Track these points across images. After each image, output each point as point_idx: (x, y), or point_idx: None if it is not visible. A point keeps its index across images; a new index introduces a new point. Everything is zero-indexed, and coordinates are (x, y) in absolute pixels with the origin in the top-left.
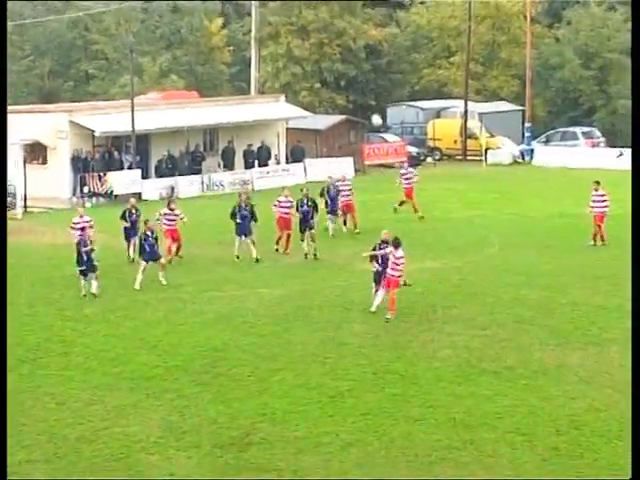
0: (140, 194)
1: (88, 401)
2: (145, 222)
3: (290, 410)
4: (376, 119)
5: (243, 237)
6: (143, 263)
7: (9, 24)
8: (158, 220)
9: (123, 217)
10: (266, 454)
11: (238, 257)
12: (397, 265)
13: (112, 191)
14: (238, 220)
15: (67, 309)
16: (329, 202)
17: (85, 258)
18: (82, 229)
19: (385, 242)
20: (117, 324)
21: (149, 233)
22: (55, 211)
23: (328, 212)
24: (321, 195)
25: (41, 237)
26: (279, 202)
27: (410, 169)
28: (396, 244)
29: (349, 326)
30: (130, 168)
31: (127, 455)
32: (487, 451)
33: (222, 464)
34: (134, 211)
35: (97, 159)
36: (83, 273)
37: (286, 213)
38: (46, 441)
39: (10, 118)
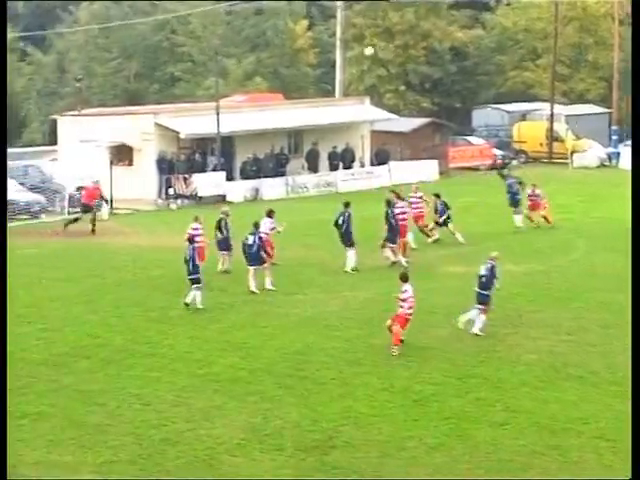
0: (224, 196)
1: (173, 403)
2: (255, 225)
3: (374, 414)
4: None
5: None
6: (251, 269)
7: (96, 26)
8: (279, 232)
9: (219, 228)
10: (349, 457)
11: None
12: (403, 301)
13: (197, 193)
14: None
15: (152, 310)
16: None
17: (196, 267)
18: (191, 238)
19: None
20: (202, 326)
21: (257, 239)
22: (141, 213)
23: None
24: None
25: (127, 238)
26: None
27: (537, 191)
28: (402, 279)
29: (433, 330)
30: (215, 170)
31: (211, 457)
32: (572, 457)
33: (305, 467)
34: (228, 221)
35: (182, 161)
36: (195, 281)
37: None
38: (131, 442)
39: (96, 120)
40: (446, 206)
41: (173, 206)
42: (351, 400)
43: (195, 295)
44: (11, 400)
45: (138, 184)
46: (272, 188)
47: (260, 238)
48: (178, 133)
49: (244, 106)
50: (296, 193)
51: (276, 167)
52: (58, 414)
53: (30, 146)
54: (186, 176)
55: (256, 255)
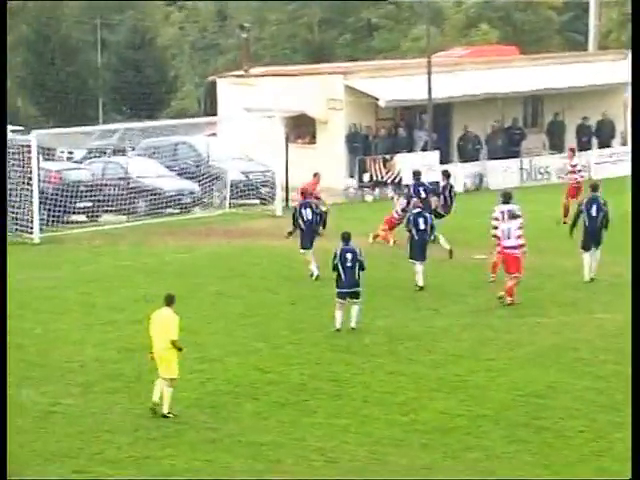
0: (437, 184)
1: (367, 459)
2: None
3: None
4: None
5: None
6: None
7: None
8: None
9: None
10: None
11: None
12: None
13: (400, 179)
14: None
15: (340, 337)
16: None
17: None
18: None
19: None
20: (407, 358)
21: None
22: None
23: None
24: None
25: None
26: None
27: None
28: None
29: None
30: (425, 149)
31: None
32: None
33: None
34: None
35: (381, 137)
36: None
37: None
38: None
39: (268, 82)
40: None
41: (369, 197)
42: (609, 460)
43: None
44: (154, 453)
45: (322, 168)
46: (501, 173)
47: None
48: (376, 100)
49: (465, 63)
50: (534, 180)
51: (507, 145)
52: (216, 473)
53: (181, 117)
54: (386, 157)
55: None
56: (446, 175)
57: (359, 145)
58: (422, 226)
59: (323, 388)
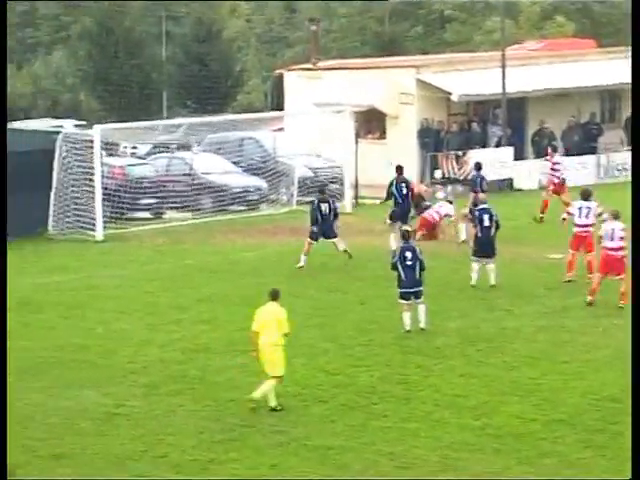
0: (511, 181)
1: (439, 465)
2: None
3: None
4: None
5: None
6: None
7: None
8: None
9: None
10: None
11: None
12: None
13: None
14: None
15: (410, 338)
16: None
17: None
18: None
19: None
20: (479, 360)
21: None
22: None
23: None
24: None
25: (376, 239)
26: None
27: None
28: None
29: None
30: (499, 145)
31: None
32: None
33: None
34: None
35: (453, 132)
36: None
37: None
38: None
39: (337, 76)
40: None
41: (440, 194)
42: None
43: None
44: (218, 457)
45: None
46: (578, 171)
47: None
48: (449, 94)
49: (540, 57)
50: (611, 177)
51: (583, 141)
52: (282, 478)
53: (247, 111)
54: (459, 153)
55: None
56: (477, 167)
57: (430, 141)
58: (487, 222)
59: (393, 391)
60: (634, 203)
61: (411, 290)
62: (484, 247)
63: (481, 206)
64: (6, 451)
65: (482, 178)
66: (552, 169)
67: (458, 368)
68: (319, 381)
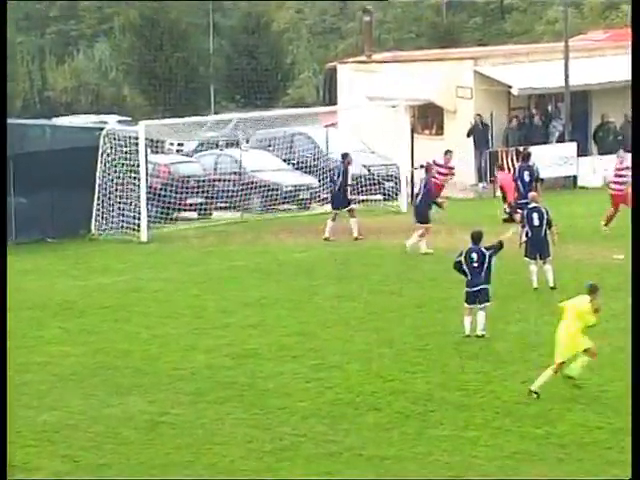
0: (574, 178)
1: (499, 475)
2: None
3: None
4: None
5: None
6: None
7: None
8: None
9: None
10: None
11: None
12: None
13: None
14: None
15: (469, 343)
16: None
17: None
18: None
19: None
20: (541, 365)
21: None
22: (453, 202)
23: None
24: None
25: (433, 239)
26: None
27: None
28: None
29: None
30: (561, 140)
31: None
32: None
33: None
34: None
35: (513, 127)
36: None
37: None
38: None
39: (392, 68)
40: None
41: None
42: None
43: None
44: (269, 466)
45: (452, 162)
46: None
47: None
48: (509, 88)
49: (604, 47)
50: None
51: None
52: None
53: (298, 106)
54: (519, 149)
55: None
56: (524, 157)
57: (481, 138)
58: (536, 222)
59: (450, 398)
60: (634, 202)
61: (474, 289)
62: (536, 247)
63: (531, 205)
64: (6, 451)
65: (525, 168)
66: (618, 175)
67: (519, 374)
68: (374, 388)
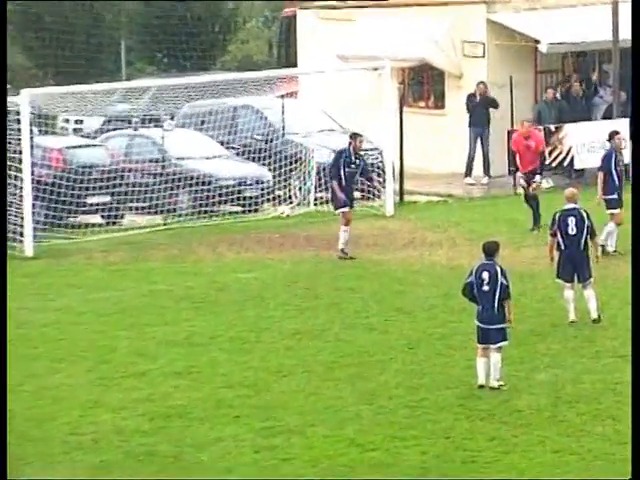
0: (625, 168)
1: None
2: None
3: None
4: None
5: None
6: None
7: None
8: None
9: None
10: None
11: None
12: None
13: (572, 162)
14: None
15: (481, 398)
16: None
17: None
18: None
19: None
20: (580, 429)
21: None
22: (459, 201)
23: None
24: None
25: (432, 253)
26: None
27: None
28: None
29: None
30: (608, 116)
31: None
32: None
33: None
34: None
35: (544, 99)
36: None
37: None
38: None
39: (372, 16)
40: None
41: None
42: None
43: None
44: None
45: (456, 145)
46: None
47: None
48: (536, 43)
49: None
50: None
51: None
52: None
53: (243, 68)
54: (551, 128)
55: None
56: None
57: (480, 114)
58: (572, 230)
59: (454, 473)
60: (634, 202)
61: (486, 327)
62: (572, 265)
63: (567, 205)
64: (6, 451)
65: (611, 153)
66: None
67: (550, 441)
68: (348, 460)
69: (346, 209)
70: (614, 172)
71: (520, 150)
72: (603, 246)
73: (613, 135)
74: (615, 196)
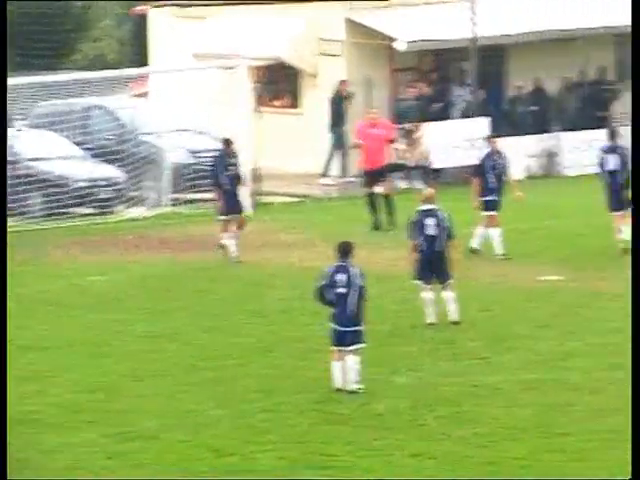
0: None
1: None
2: None
3: None
4: None
5: None
6: None
7: None
8: None
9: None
10: None
11: None
12: None
13: (429, 162)
14: None
15: (339, 401)
16: None
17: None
18: None
19: None
20: (439, 432)
21: None
22: (315, 201)
23: None
24: None
25: (288, 254)
26: None
27: None
28: None
29: None
30: (467, 115)
31: None
32: None
33: None
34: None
35: (400, 97)
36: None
37: None
38: None
39: (227, 14)
40: None
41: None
42: None
43: None
44: None
45: (311, 145)
46: (581, 151)
47: None
48: (392, 41)
49: None
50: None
51: (590, 109)
52: None
53: (94, 67)
54: (410, 128)
55: None
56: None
57: (340, 113)
58: (432, 230)
59: (313, 478)
60: (634, 203)
61: (344, 330)
62: (431, 266)
63: (425, 206)
64: (6, 451)
65: (487, 157)
66: None
67: (409, 445)
68: (204, 465)
69: (229, 217)
70: (489, 175)
71: (366, 140)
72: (475, 248)
73: (489, 139)
74: (490, 198)
